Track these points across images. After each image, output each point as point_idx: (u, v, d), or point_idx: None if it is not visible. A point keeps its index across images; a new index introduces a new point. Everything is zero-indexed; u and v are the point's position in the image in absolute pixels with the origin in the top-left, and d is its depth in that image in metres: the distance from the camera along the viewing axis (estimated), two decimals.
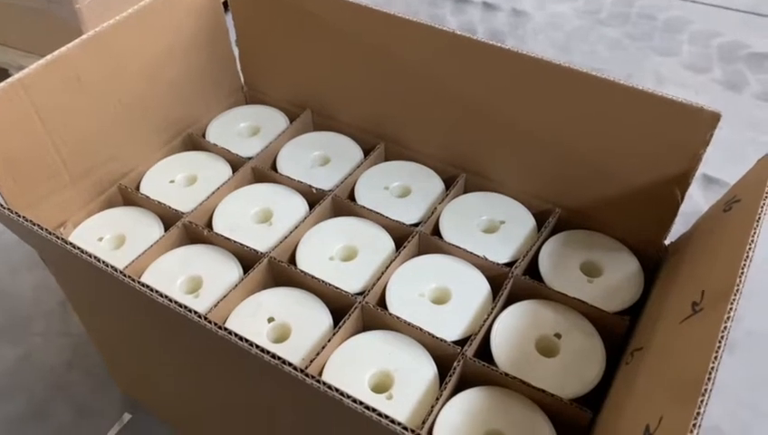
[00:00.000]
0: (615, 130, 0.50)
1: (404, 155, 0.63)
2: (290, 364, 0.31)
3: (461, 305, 0.50)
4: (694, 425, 0.28)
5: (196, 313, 0.34)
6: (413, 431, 0.29)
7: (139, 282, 0.36)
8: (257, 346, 0.32)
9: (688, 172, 0.48)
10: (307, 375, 0.31)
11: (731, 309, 0.33)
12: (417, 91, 0.58)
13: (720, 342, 0.32)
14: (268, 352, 0.32)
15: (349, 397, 0.30)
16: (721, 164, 0.77)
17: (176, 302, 0.34)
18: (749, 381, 0.66)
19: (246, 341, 0.32)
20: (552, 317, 0.49)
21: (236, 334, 0.33)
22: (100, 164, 0.57)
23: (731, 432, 0.63)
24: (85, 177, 0.56)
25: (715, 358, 0.31)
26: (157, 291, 0.35)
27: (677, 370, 0.34)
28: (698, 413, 0.29)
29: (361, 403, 0.30)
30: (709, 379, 0.30)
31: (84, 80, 0.52)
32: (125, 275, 0.37)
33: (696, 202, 0.82)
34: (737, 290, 0.34)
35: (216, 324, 0.33)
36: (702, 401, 0.29)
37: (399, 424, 0.29)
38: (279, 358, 0.32)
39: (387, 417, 0.29)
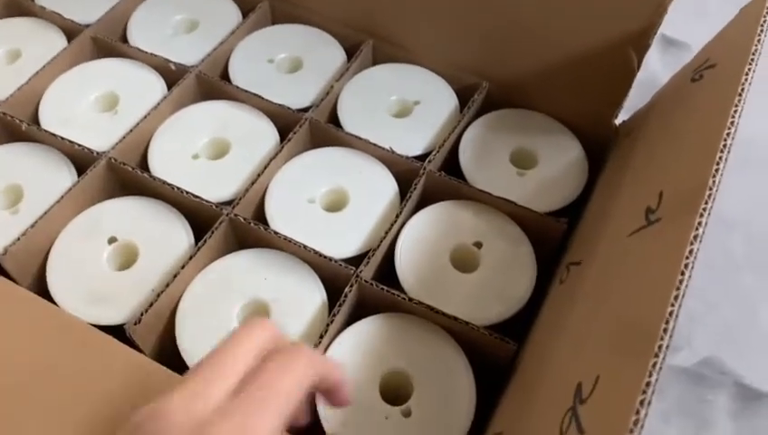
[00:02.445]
0: None
1: (295, 16, 0.49)
2: None
3: (361, 212, 0.39)
4: (641, 402, 0.20)
5: None
6: None
7: None
8: None
9: (648, 30, 0.36)
10: None
11: (700, 224, 0.23)
12: None
13: (683, 274, 0.22)
14: None
15: None
16: (681, 21, 0.65)
17: None
18: (701, 268, 0.60)
19: None
20: (472, 222, 0.39)
21: None
22: None
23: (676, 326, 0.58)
24: None
25: (676, 298, 0.22)
26: None
27: (622, 308, 0.25)
28: (648, 383, 0.20)
29: None
30: (665, 331, 0.21)
31: None
32: None
33: (653, 69, 0.71)
34: (710, 195, 0.24)
35: None
36: (655, 364, 0.20)
37: None
38: None
39: None
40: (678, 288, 0.22)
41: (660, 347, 0.21)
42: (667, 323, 0.21)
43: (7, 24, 0.48)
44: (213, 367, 0.21)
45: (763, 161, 0.61)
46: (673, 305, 0.21)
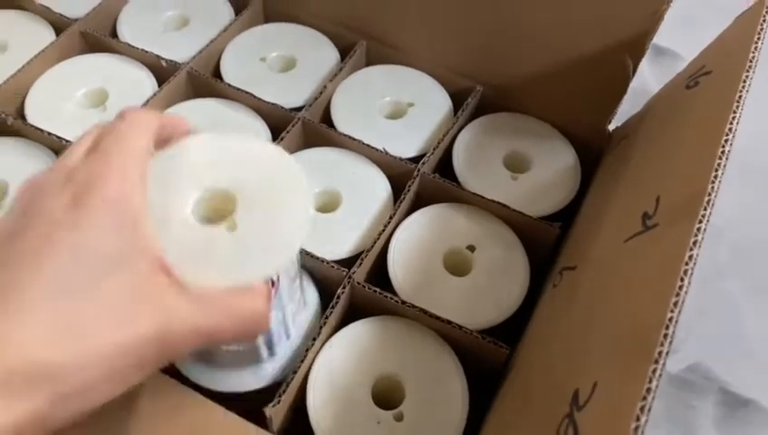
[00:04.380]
0: None
1: (288, 15, 0.48)
2: None
3: (353, 214, 0.39)
4: (642, 409, 0.19)
5: None
6: None
7: None
8: None
9: (645, 35, 0.37)
10: None
11: (699, 230, 0.23)
12: None
13: (682, 279, 0.22)
14: None
15: None
16: (670, 31, 0.66)
17: None
18: (698, 276, 0.60)
19: None
20: (466, 226, 0.39)
21: None
22: None
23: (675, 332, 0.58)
24: None
25: (675, 304, 0.21)
26: None
27: (620, 314, 0.25)
28: (648, 389, 0.20)
29: None
30: (665, 337, 0.21)
31: None
32: None
33: (643, 77, 0.72)
34: (709, 201, 0.24)
35: None
36: (655, 371, 0.20)
37: None
38: None
39: None
40: (678, 294, 0.22)
41: (660, 353, 0.20)
42: (667, 328, 0.21)
43: None
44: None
45: (750, 170, 0.61)
46: (672, 311, 0.21)
